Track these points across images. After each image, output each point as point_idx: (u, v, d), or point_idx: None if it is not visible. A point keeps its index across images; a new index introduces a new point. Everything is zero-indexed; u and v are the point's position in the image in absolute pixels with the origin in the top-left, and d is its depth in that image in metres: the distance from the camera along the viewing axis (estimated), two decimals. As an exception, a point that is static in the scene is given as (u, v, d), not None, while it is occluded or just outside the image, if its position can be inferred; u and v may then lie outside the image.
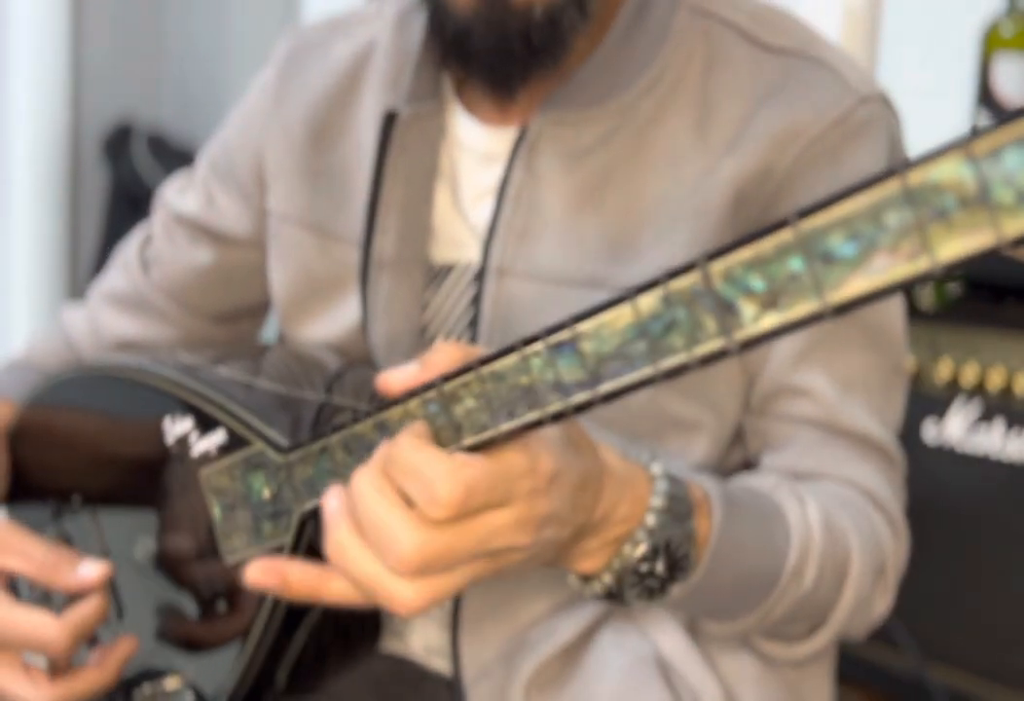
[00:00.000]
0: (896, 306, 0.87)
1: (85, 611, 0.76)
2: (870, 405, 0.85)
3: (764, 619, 0.77)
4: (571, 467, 0.61)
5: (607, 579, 0.68)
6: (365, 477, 0.58)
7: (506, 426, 0.55)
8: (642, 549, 0.67)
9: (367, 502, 0.57)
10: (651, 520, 0.67)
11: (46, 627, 0.75)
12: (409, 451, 0.57)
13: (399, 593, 0.57)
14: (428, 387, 0.57)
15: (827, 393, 0.83)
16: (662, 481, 0.68)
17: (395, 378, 0.61)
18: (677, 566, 0.69)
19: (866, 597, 0.81)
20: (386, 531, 0.56)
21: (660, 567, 0.68)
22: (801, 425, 0.84)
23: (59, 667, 0.78)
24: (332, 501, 0.60)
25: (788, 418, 0.84)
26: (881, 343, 0.85)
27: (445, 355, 0.59)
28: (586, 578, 0.70)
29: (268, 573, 0.62)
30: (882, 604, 0.84)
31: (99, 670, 0.78)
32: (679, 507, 0.68)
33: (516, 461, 0.57)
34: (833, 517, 0.79)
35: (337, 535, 0.59)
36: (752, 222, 0.81)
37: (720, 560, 0.71)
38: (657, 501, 0.67)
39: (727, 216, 0.81)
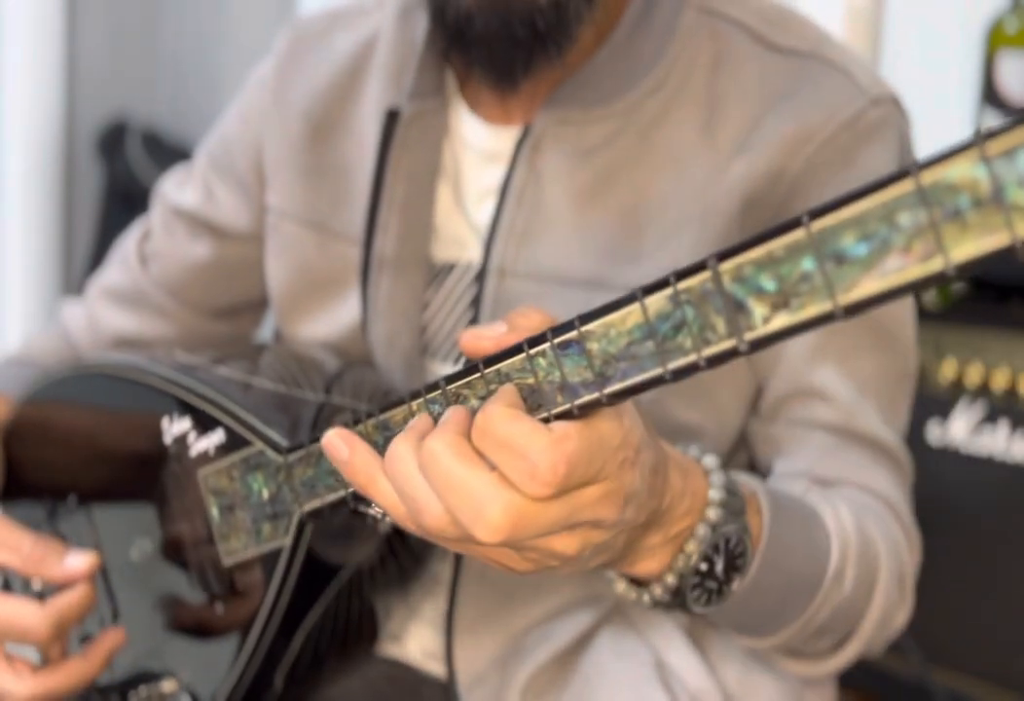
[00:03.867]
0: (907, 309, 0.85)
1: (68, 599, 0.76)
2: (881, 409, 0.83)
3: (806, 627, 0.73)
4: (648, 446, 0.56)
5: (670, 580, 0.63)
6: (441, 441, 0.53)
7: None
8: (703, 546, 0.63)
9: (445, 464, 0.52)
10: (712, 514, 0.63)
11: (28, 615, 0.74)
12: (504, 422, 0.51)
13: (476, 536, 0.52)
14: (432, 387, 0.56)
15: (843, 395, 0.81)
16: (718, 474, 0.64)
17: (486, 336, 0.56)
18: (733, 566, 0.65)
19: (891, 606, 0.79)
20: (472, 497, 0.52)
21: (719, 567, 0.64)
22: (816, 429, 0.82)
23: (51, 660, 0.77)
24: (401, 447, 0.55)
25: (802, 422, 0.82)
26: (891, 346, 0.84)
27: (528, 319, 0.56)
28: (639, 584, 0.66)
29: (339, 439, 0.59)
30: (902, 616, 0.81)
31: (84, 661, 0.78)
32: (735, 502, 0.64)
33: (611, 432, 0.52)
34: (863, 522, 0.77)
35: (398, 453, 0.55)
36: (763, 225, 0.80)
37: (771, 560, 0.68)
38: (716, 494, 0.63)
39: (735, 219, 0.80)
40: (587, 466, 0.51)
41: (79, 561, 0.76)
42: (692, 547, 0.62)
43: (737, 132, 0.81)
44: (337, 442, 0.59)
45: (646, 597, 0.65)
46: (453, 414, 0.54)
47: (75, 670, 0.77)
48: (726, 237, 0.80)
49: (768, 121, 0.80)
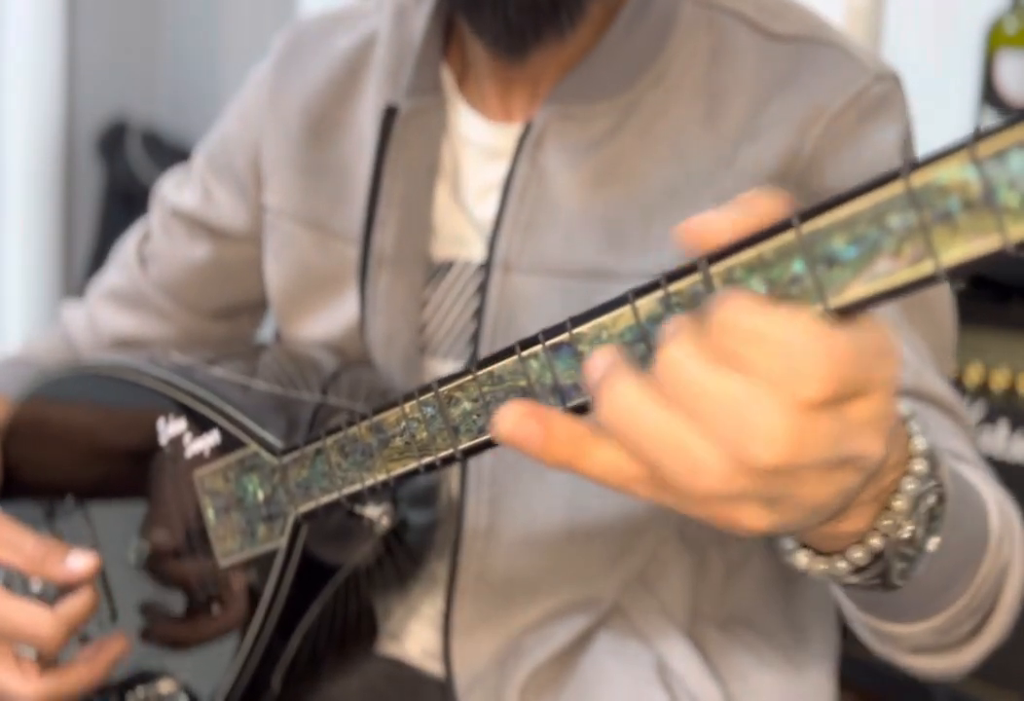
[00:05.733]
0: (945, 289, 0.83)
1: (77, 604, 0.75)
2: (938, 371, 0.79)
3: (971, 600, 0.65)
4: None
5: (875, 542, 0.53)
6: (682, 349, 0.42)
7: None
8: (909, 503, 0.53)
9: (701, 377, 0.41)
10: (919, 467, 0.53)
11: (40, 620, 0.74)
12: (753, 314, 0.41)
13: (729, 485, 0.42)
14: (424, 389, 0.56)
15: (909, 357, 0.77)
16: (914, 422, 0.54)
17: (716, 223, 0.45)
18: (928, 528, 0.55)
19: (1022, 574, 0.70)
20: (738, 407, 0.40)
21: (920, 528, 0.54)
22: None
23: (47, 661, 0.78)
24: (599, 360, 0.45)
25: None
26: (934, 321, 0.82)
27: (769, 205, 0.45)
28: (820, 553, 0.55)
29: (530, 418, 0.46)
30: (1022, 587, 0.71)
31: (89, 667, 0.78)
32: (933, 455, 0.54)
33: (878, 336, 0.43)
34: (991, 484, 0.69)
35: (625, 398, 0.43)
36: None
37: (954, 522, 0.58)
38: (922, 444, 0.53)
39: None
40: (859, 366, 0.41)
41: (81, 562, 0.76)
42: (901, 504, 0.53)
43: (741, 119, 0.81)
44: (529, 425, 0.46)
45: (842, 564, 0.54)
46: (677, 321, 0.43)
47: (80, 675, 0.77)
48: None
49: (774, 105, 0.80)
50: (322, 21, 0.98)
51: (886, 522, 0.53)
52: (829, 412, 0.41)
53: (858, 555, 0.54)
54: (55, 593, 0.80)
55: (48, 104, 2.57)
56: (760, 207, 0.45)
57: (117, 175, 2.64)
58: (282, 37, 0.99)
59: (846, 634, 1.00)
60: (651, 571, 0.87)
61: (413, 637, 0.92)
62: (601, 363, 0.45)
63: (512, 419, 0.46)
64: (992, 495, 0.67)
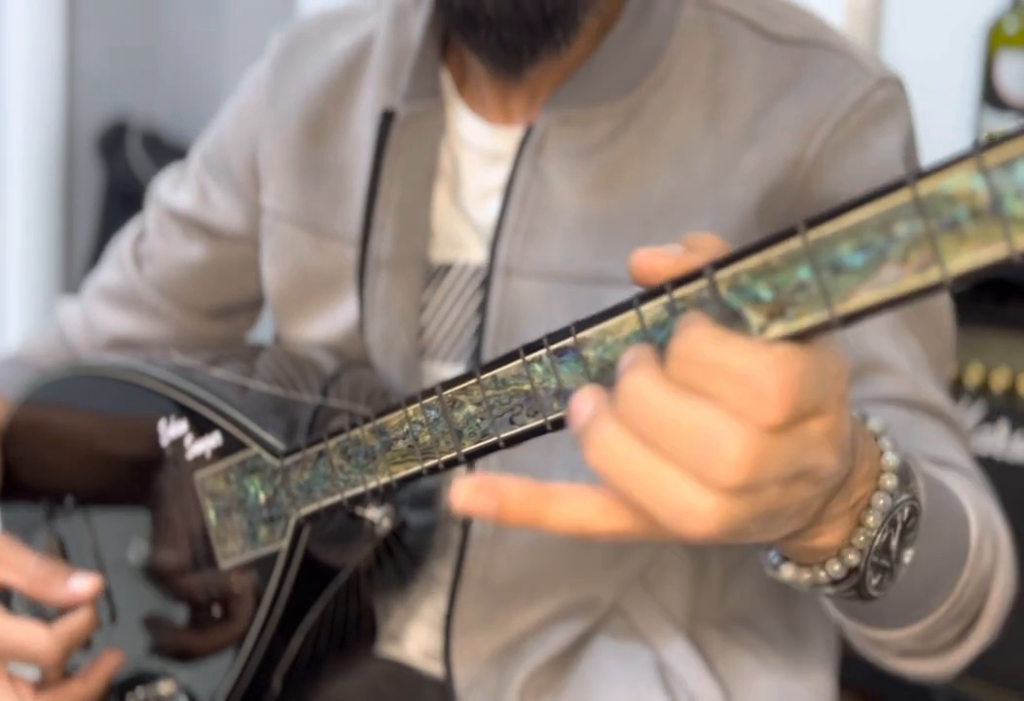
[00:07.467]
0: (944, 296, 0.83)
1: (75, 623, 0.76)
2: (934, 378, 0.80)
3: (953, 607, 0.67)
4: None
5: (851, 558, 0.55)
6: (645, 380, 0.44)
7: (507, 434, 0.54)
8: (883, 519, 0.55)
9: (663, 406, 0.43)
10: (889, 482, 0.55)
11: (37, 638, 0.75)
12: (711, 344, 0.42)
13: (697, 504, 0.43)
14: (428, 392, 0.56)
15: (903, 365, 0.77)
16: (887, 438, 0.56)
17: (662, 254, 0.47)
18: (903, 541, 0.57)
19: (1011, 580, 0.72)
20: (702, 434, 0.42)
21: (894, 542, 0.57)
22: (885, 405, 0.77)
23: (51, 678, 0.78)
24: (586, 402, 0.46)
25: (869, 400, 0.78)
26: (933, 327, 0.82)
27: (707, 240, 0.48)
28: (803, 565, 0.58)
29: (481, 492, 0.47)
30: (1012, 591, 0.73)
31: (84, 683, 0.79)
32: (905, 469, 0.57)
33: (829, 357, 0.44)
34: (975, 493, 0.70)
35: (604, 437, 0.44)
36: (781, 214, 0.80)
37: (930, 531, 0.60)
38: (893, 459, 0.55)
39: (752, 210, 0.79)
40: (815, 390, 0.43)
41: (83, 584, 0.77)
42: (872, 520, 0.55)
43: (744, 122, 0.81)
44: (480, 499, 0.47)
45: (822, 574, 0.56)
46: (637, 351, 0.45)
47: (75, 692, 0.78)
48: (742, 228, 0.79)
49: (777, 109, 0.80)
50: (320, 21, 0.98)
51: (860, 538, 0.55)
52: (787, 432, 0.43)
53: (836, 568, 0.56)
54: (54, 609, 0.80)
55: (49, 104, 2.57)
56: (701, 244, 0.48)
57: (117, 175, 2.64)
58: (279, 38, 0.99)
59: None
60: (651, 572, 0.87)
61: (413, 638, 0.92)
62: (587, 405, 0.46)
63: (465, 494, 0.47)
64: (974, 504, 0.68)
